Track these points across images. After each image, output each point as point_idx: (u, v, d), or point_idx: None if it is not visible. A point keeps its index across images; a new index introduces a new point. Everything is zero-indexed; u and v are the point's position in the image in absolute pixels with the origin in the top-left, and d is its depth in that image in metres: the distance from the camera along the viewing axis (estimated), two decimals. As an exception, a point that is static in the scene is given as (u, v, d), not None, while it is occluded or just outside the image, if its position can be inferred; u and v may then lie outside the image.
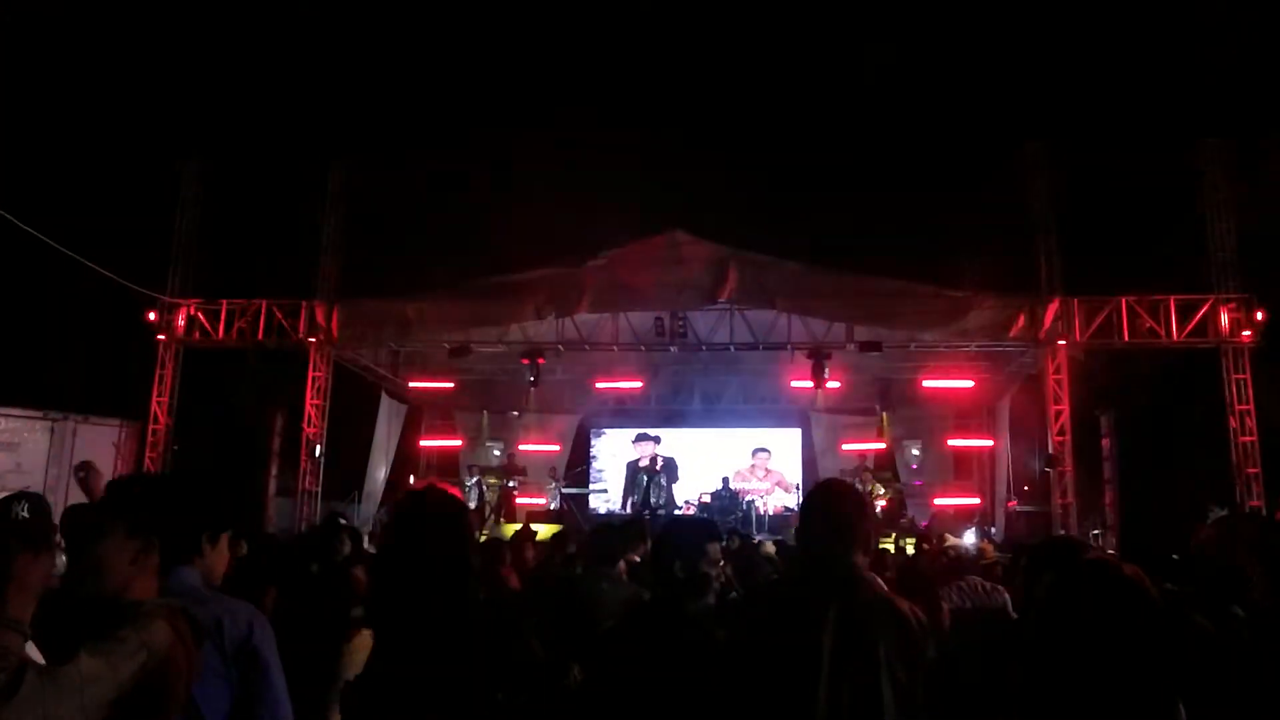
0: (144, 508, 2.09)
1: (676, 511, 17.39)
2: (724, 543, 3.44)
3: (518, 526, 14.60)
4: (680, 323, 15.57)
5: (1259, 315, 14.27)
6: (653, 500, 17.50)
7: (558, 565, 6.87)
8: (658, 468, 18.03)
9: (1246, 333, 14.32)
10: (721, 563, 3.07)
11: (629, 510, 18.02)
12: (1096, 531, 16.43)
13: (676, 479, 18.27)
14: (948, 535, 10.59)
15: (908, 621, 2.59)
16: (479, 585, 2.98)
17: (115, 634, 1.78)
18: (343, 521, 7.35)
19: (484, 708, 2.63)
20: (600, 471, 20.95)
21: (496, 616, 2.73)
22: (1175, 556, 4.94)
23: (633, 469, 18.88)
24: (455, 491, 3.17)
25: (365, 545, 7.53)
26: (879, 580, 2.80)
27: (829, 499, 2.86)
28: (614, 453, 20.95)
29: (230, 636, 2.36)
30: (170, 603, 1.94)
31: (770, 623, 2.64)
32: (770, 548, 7.90)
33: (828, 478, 3.26)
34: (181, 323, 16.26)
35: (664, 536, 3.12)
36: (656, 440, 19.62)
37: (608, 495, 20.33)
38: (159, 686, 1.81)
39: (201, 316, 16.24)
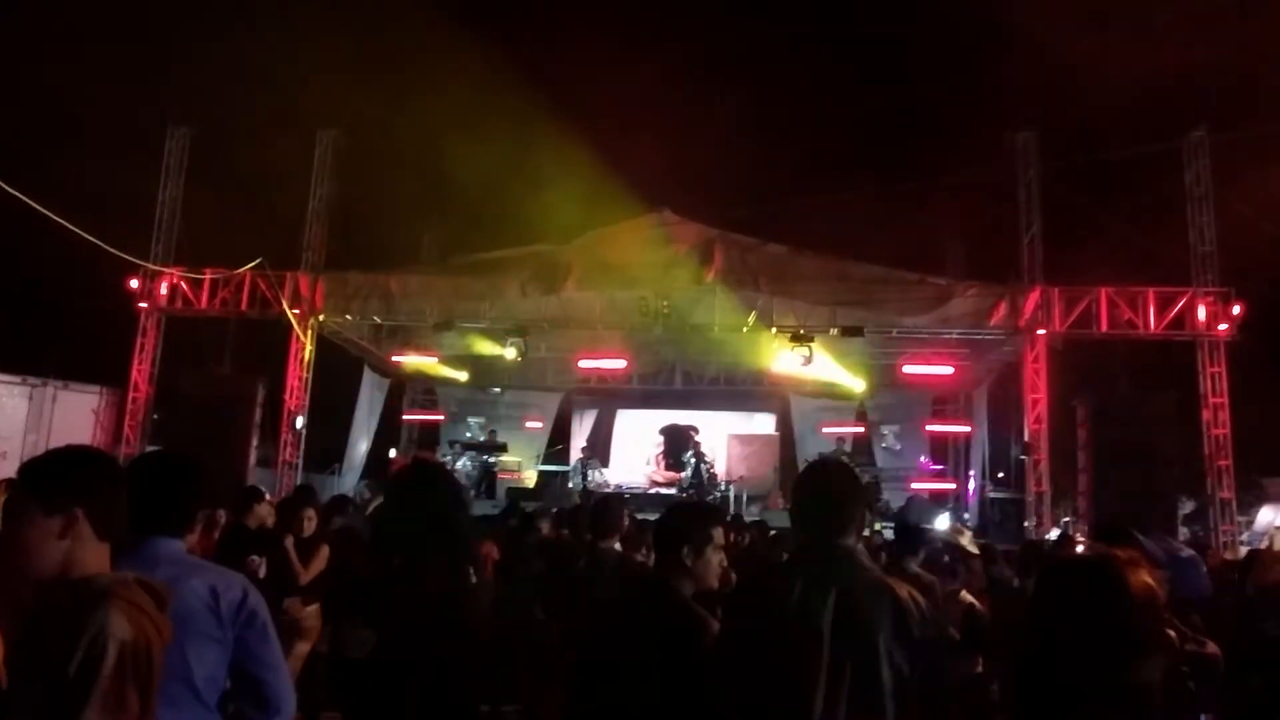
0: (57, 482, 2.03)
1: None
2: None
3: (501, 502, 14.69)
4: (664, 303, 15.60)
5: (1236, 309, 14.46)
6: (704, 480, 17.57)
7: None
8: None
9: (1223, 326, 14.51)
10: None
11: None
12: (1068, 519, 16.68)
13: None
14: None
15: (906, 607, 2.53)
16: (472, 558, 3.06)
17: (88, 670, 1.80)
18: (349, 495, 7.40)
19: (479, 681, 2.71)
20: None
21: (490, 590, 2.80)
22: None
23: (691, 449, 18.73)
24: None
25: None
26: (874, 564, 2.78)
27: (822, 479, 2.81)
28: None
29: (226, 601, 2.40)
30: (123, 576, 1.98)
31: (770, 607, 2.58)
32: None
33: (820, 456, 3.17)
34: (164, 291, 16.17)
35: (668, 520, 3.11)
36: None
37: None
38: (142, 667, 1.87)
39: (184, 285, 16.14)
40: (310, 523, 6.59)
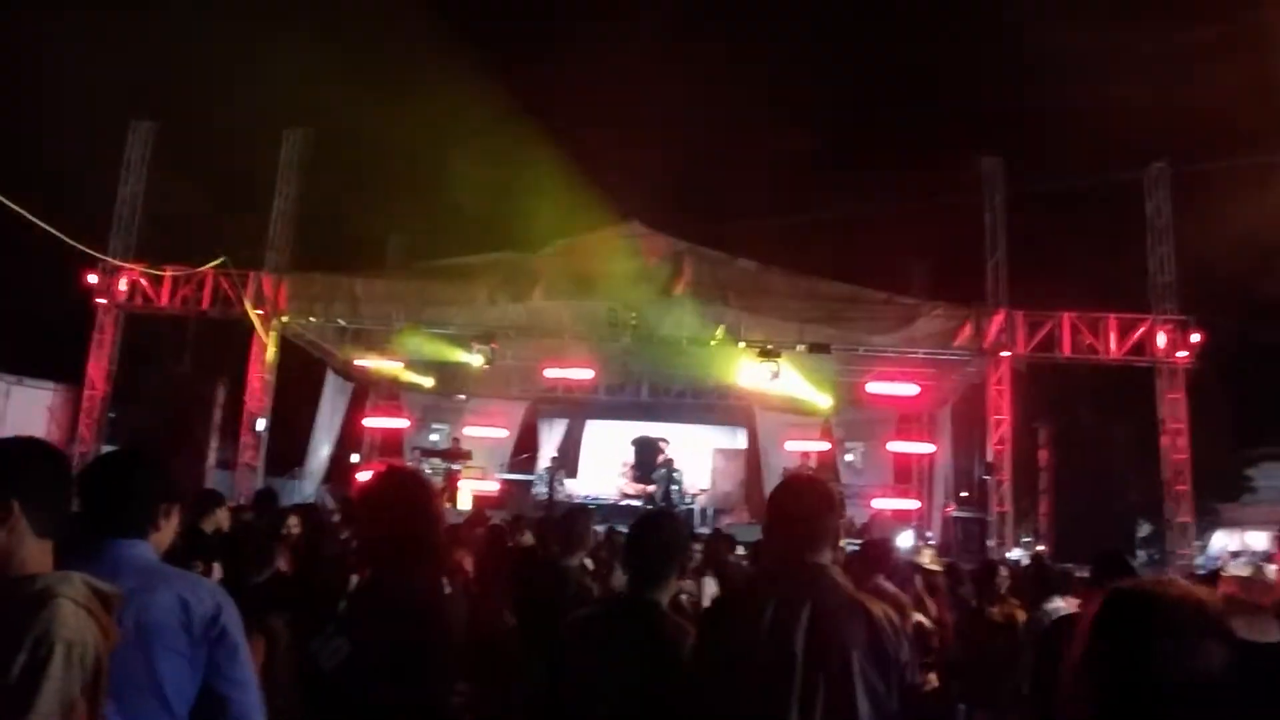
0: None
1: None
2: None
3: (463, 510, 14.56)
4: (632, 314, 15.59)
5: (1195, 337, 14.69)
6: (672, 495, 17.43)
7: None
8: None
9: (1183, 353, 14.74)
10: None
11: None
12: (1028, 539, 16.84)
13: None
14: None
15: (881, 626, 2.49)
16: (444, 568, 2.99)
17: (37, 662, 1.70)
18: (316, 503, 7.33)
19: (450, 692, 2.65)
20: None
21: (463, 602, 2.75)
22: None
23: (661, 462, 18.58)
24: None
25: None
26: (848, 581, 2.71)
27: (795, 495, 2.76)
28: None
29: (197, 616, 2.27)
30: (66, 575, 1.86)
31: (742, 624, 2.53)
32: None
33: (793, 472, 3.08)
34: (123, 287, 15.86)
35: (658, 535, 3.01)
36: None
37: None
38: (90, 671, 1.77)
39: (144, 282, 15.85)
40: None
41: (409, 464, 18.16)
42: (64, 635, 1.73)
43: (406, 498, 2.76)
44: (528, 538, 7.40)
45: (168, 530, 2.49)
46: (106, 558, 2.29)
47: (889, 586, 6.05)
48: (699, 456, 20.34)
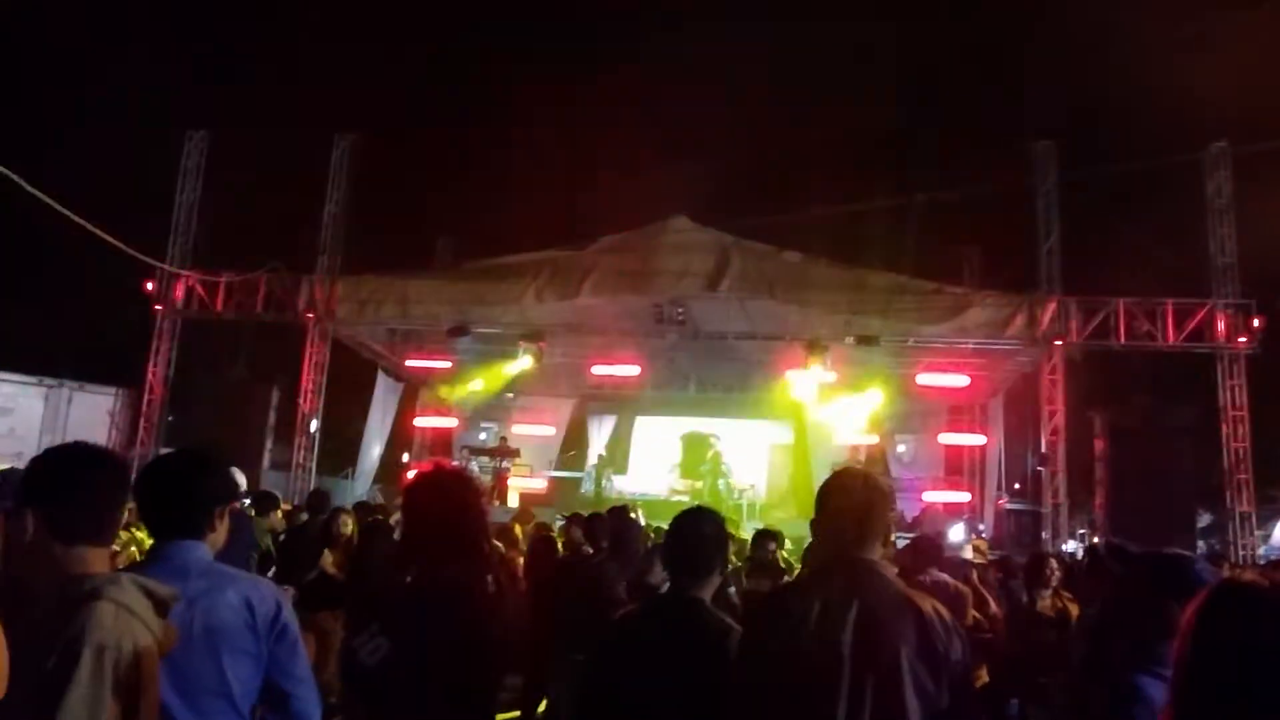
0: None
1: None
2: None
3: (511, 508, 14.67)
4: (679, 310, 15.57)
5: (1256, 322, 14.32)
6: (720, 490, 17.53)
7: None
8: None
9: (1243, 339, 14.37)
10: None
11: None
12: (1083, 531, 16.53)
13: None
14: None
15: (931, 623, 2.42)
16: (489, 566, 3.01)
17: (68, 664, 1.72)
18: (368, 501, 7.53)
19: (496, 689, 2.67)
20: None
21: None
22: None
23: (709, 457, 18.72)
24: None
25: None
26: (898, 577, 2.67)
27: (844, 490, 2.69)
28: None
29: (260, 615, 2.35)
30: (114, 576, 1.89)
31: (789, 622, 2.48)
32: None
33: (843, 466, 2.99)
34: (180, 294, 16.22)
35: (697, 535, 2.95)
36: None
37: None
38: (127, 673, 1.77)
39: (200, 288, 16.18)
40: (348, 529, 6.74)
41: (456, 462, 18.38)
42: (95, 639, 1.74)
43: (450, 495, 2.79)
44: (578, 534, 7.43)
45: (222, 531, 2.54)
46: (174, 560, 2.35)
47: (945, 578, 6.00)
48: (749, 452, 20.29)
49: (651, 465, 20.50)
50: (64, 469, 2.03)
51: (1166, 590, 2.40)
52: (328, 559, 6.47)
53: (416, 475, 3.03)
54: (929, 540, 6.94)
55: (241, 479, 6.93)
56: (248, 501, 7.53)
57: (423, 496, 2.85)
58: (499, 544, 7.79)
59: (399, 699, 2.54)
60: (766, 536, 7.35)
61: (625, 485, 19.00)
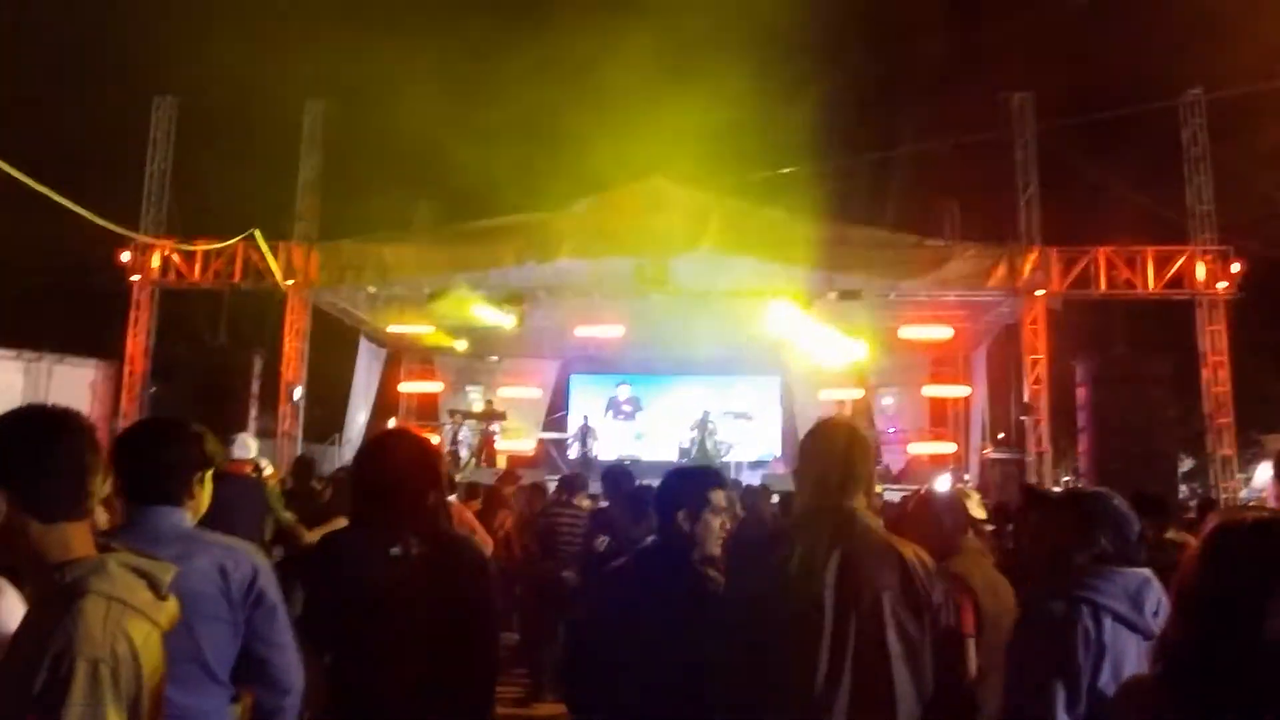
0: None
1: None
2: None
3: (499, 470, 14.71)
4: (661, 269, 15.52)
5: (1235, 267, 14.41)
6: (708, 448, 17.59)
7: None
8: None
9: (1223, 284, 14.47)
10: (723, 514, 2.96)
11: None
12: (1068, 478, 16.72)
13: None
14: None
15: (913, 567, 2.46)
16: (448, 520, 3.03)
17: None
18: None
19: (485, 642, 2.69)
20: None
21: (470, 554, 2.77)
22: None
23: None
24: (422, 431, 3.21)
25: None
26: (881, 525, 2.68)
27: (827, 439, 2.71)
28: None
29: (236, 582, 2.33)
30: (101, 563, 1.68)
31: (770, 571, 2.50)
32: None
33: (826, 417, 2.98)
34: (156, 264, 16.04)
35: (666, 485, 3.01)
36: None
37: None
38: (125, 680, 1.60)
39: (176, 258, 16.00)
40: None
41: (445, 425, 18.38)
42: (86, 652, 1.55)
43: (396, 455, 2.78)
44: (585, 501, 7.39)
45: (202, 497, 2.53)
46: (146, 526, 2.34)
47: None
48: (733, 409, 20.38)
49: (638, 425, 20.57)
50: (28, 439, 1.74)
51: (1089, 520, 2.51)
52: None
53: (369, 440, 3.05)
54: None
55: (252, 445, 6.89)
56: (267, 469, 7.50)
57: (369, 457, 2.85)
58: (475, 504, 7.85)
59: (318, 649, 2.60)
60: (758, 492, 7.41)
61: (611, 446, 19.06)
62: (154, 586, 1.71)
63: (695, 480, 3.03)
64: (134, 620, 1.65)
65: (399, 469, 2.70)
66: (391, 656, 2.49)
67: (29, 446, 1.72)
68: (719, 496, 2.91)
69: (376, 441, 3.05)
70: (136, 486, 2.42)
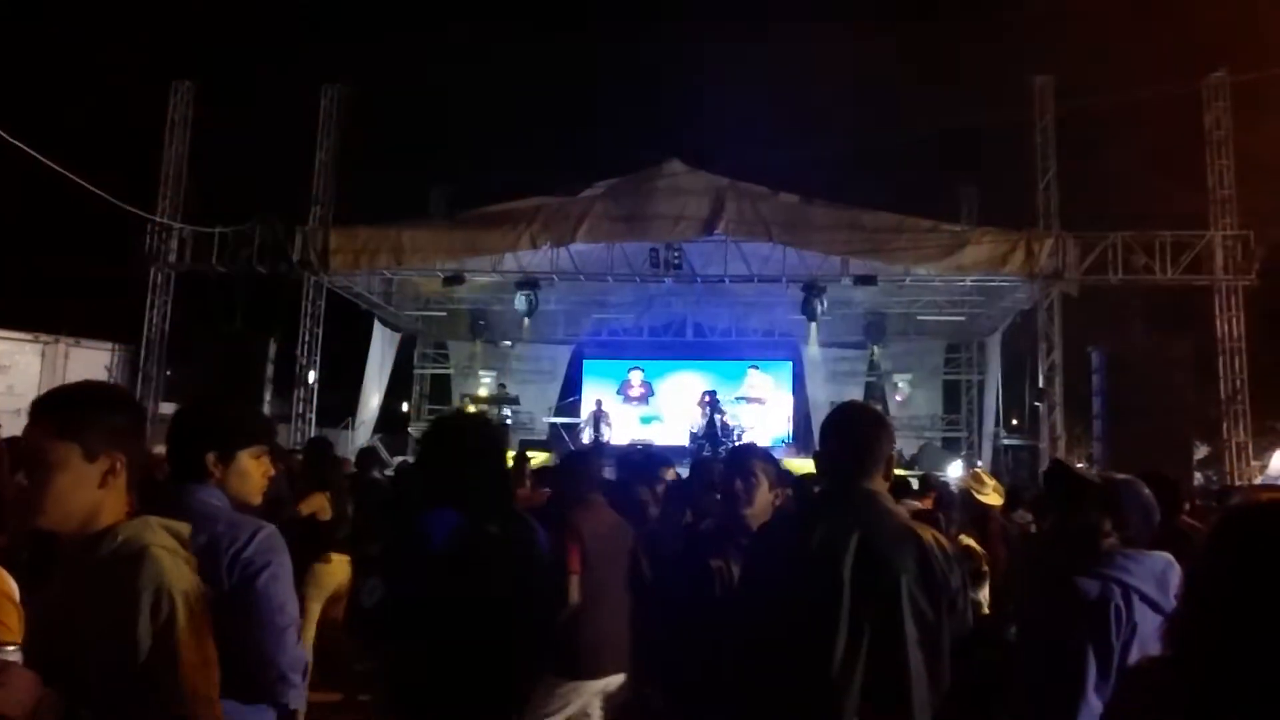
0: (97, 424, 1.80)
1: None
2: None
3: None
4: (675, 254, 15.50)
5: (1255, 253, 14.28)
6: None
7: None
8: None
9: (1242, 270, 14.34)
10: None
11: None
12: (1081, 465, 16.63)
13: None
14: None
15: (931, 552, 2.45)
16: (512, 502, 3.05)
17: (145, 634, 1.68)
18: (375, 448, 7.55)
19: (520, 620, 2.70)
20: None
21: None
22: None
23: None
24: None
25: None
26: (900, 508, 2.69)
27: (847, 421, 2.71)
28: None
29: (227, 557, 2.31)
30: (145, 523, 1.82)
31: (789, 553, 2.51)
32: None
33: (847, 400, 3.01)
34: (173, 247, 16.11)
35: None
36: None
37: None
38: (202, 611, 1.78)
39: (193, 241, 16.06)
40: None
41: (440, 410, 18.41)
42: (180, 586, 1.73)
43: (462, 443, 2.80)
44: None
45: (234, 476, 2.52)
46: (168, 502, 2.34)
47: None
48: (745, 393, 20.37)
49: (650, 410, 20.60)
50: (141, 411, 1.98)
51: (1122, 504, 2.61)
52: (319, 502, 6.45)
53: (434, 422, 3.06)
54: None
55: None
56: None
57: (436, 442, 2.86)
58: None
59: (395, 638, 2.60)
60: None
61: (623, 431, 19.08)
62: (182, 543, 1.85)
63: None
64: (187, 566, 1.81)
65: (474, 451, 2.76)
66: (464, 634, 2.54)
67: (140, 424, 1.94)
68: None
69: (446, 425, 3.10)
70: (170, 464, 2.50)
